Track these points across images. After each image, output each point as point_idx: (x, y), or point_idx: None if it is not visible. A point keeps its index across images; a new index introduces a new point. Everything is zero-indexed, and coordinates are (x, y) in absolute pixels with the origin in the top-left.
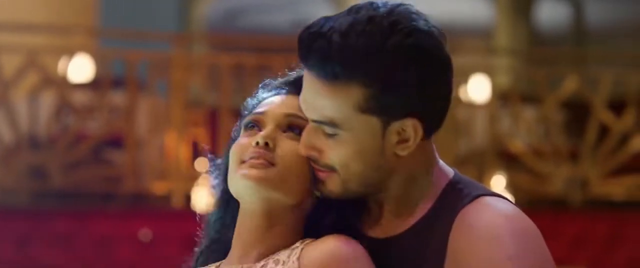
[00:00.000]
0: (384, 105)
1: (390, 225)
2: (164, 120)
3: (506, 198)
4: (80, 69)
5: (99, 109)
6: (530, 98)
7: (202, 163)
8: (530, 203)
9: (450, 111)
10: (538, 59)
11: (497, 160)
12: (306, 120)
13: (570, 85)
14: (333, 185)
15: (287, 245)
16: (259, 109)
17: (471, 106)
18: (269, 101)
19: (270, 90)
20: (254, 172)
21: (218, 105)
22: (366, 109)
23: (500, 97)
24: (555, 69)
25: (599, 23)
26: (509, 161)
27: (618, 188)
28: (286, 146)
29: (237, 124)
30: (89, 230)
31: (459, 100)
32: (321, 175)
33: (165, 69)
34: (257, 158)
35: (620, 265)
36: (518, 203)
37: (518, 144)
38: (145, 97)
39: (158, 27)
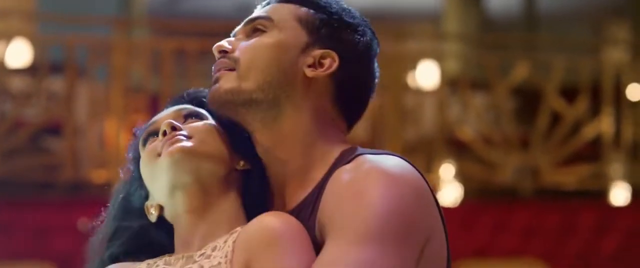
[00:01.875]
0: (322, 30)
1: (287, 202)
2: (104, 107)
3: (402, 158)
4: (17, 54)
5: (37, 95)
6: (480, 84)
7: None
8: (480, 192)
9: (398, 98)
10: (488, 45)
11: (446, 148)
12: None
13: (521, 71)
14: (226, 82)
15: (227, 230)
16: (150, 123)
17: (419, 93)
18: (157, 115)
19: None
20: (175, 146)
21: (160, 91)
22: (306, 24)
23: (450, 83)
24: (506, 54)
25: (550, 8)
26: (458, 149)
27: (570, 178)
28: (193, 124)
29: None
30: (27, 219)
31: (407, 86)
32: (218, 73)
33: (105, 54)
34: (172, 137)
35: (572, 256)
36: (468, 193)
37: (467, 132)
38: (85, 83)
39: (98, 11)
